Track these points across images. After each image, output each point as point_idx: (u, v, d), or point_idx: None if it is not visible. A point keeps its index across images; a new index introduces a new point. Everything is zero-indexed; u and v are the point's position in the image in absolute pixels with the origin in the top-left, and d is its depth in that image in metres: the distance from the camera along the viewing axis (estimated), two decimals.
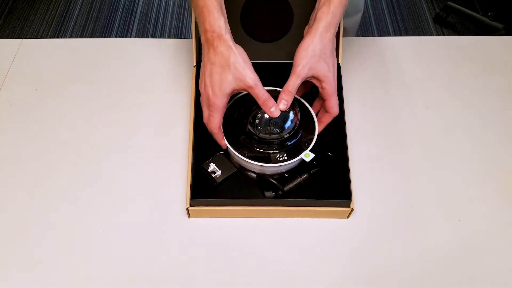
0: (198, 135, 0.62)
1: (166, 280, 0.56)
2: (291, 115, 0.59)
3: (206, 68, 0.56)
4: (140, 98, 0.72)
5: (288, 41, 0.68)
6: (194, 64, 0.69)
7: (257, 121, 0.59)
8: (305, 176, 0.61)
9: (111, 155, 0.66)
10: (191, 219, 0.61)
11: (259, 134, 0.59)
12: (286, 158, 0.58)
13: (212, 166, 0.61)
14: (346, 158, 0.61)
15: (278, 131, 0.59)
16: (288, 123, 0.59)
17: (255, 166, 0.59)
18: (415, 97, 0.74)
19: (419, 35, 1.86)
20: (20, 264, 0.57)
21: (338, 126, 0.64)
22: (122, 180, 0.64)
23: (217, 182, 0.60)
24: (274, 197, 0.60)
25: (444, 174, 0.66)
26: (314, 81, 0.59)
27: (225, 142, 0.60)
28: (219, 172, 0.61)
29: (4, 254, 0.58)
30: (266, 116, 0.58)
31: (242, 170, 0.62)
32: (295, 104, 0.60)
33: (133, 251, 0.58)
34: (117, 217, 0.61)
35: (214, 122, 0.57)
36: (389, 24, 1.89)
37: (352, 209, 0.59)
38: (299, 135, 0.60)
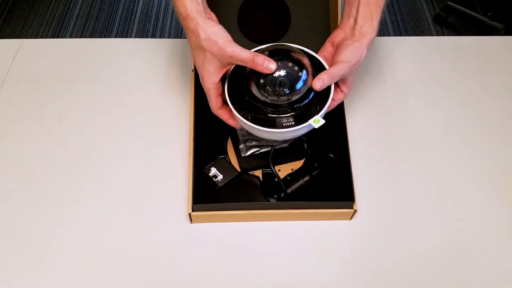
0: (199, 139, 0.62)
1: (167, 285, 0.56)
2: (304, 74, 0.52)
3: (192, 54, 0.55)
4: (140, 99, 0.72)
5: (286, 43, 0.68)
6: (193, 68, 0.69)
7: (261, 81, 0.52)
8: (307, 178, 0.61)
9: (111, 156, 0.66)
10: (193, 224, 0.61)
11: (266, 96, 0.52)
12: (293, 123, 0.52)
13: (213, 170, 0.61)
14: (348, 159, 0.61)
15: (287, 92, 0.52)
16: (300, 84, 0.52)
17: (258, 131, 0.53)
18: (415, 97, 0.74)
19: (419, 35, 1.85)
20: (19, 264, 0.57)
21: (339, 128, 0.64)
22: (122, 183, 0.64)
23: (218, 186, 0.60)
24: (277, 200, 0.60)
25: (444, 174, 0.66)
26: (340, 82, 0.57)
27: (232, 122, 0.57)
28: (220, 176, 0.61)
29: (3, 254, 0.58)
30: (274, 74, 0.51)
31: (243, 166, 0.62)
32: (308, 62, 0.53)
33: (134, 255, 0.58)
34: (118, 220, 0.61)
35: (211, 105, 0.57)
36: (389, 24, 1.89)
37: (355, 211, 0.59)
38: (309, 98, 0.54)
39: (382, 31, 1.86)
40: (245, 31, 0.68)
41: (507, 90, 0.75)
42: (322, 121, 0.52)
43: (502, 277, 0.58)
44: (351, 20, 0.57)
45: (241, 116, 0.53)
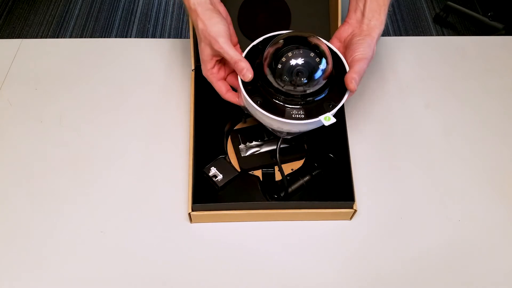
0: (199, 139, 0.62)
1: (167, 284, 0.56)
2: (323, 64, 0.50)
3: None
4: (140, 99, 0.72)
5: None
6: (193, 67, 0.69)
7: (279, 66, 0.50)
8: (307, 178, 0.61)
9: (111, 156, 0.66)
10: (193, 224, 0.61)
11: (282, 86, 0.50)
12: (302, 116, 0.50)
13: (213, 170, 0.61)
14: (348, 159, 0.61)
15: (305, 81, 0.50)
16: (319, 73, 0.50)
17: (265, 117, 0.51)
18: (415, 97, 0.74)
19: (419, 35, 1.86)
20: (20, 264, 0.57)
21: (339, 128, 0.64)
22: (122, 183, 0.64)
23: (218, 186, 0.60)
24: (276, 200, 0.60)
25: (444, 174, 0.66)
26: None
27: (240, 101, 0.56)
28: (220, 176, 0.61)
29: (4, 254, 0.58)
30: (292, 62, 0.49)
31: (243, 166, 0.62)
32: (329, 55, 0.51)
33: (134, 255, 0.58)
34: (118, 220, 0.61)
35: (219, 90, 0.57)
36: (389, 24, 1.90)
37: (355, 211, 0.59)
38: (324, 94, 0.52)
39: (382, 31, 1.86)
40: (245, 31, 0.68)
41: (507, 90, 0.75)
42: (333, 120, 0.50)
43: (502, 277, 0.58)
44: (358, 14, 0.57)
45: (251, 99, 0.51)
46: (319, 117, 0.50)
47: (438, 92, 0.75)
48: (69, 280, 0.56)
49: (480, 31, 1.85)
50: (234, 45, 0.57)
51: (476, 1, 1.96)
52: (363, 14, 0.56)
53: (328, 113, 0.50)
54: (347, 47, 0.57)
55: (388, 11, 0.57)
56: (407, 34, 1.85)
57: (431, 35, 1.86)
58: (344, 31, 0.58)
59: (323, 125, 0.51)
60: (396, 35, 1.85)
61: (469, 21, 1.89)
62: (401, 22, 1.90)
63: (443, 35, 1.86)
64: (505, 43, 0.81)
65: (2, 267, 0.57)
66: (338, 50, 0.57)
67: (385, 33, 1.84)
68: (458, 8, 1.84)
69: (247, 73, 0.52)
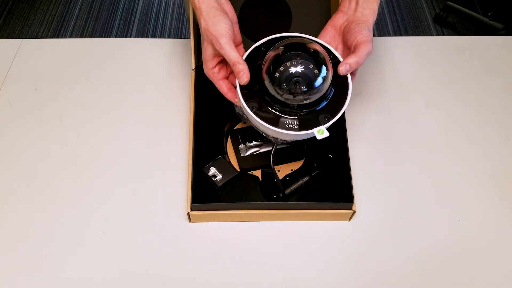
0: (198, 139, 0.62)
1: (166, 284, 0.56)
2: (322, 73, 0.49)
3: None
4: (140, 99, 0.72)
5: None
6: (193, 67, 0.69)
7: (277, 75, 0.49)
8: (306, 178, 0.61)
9: (111, 156, 0.66)
10: (192, 224, 0.61)
11: (281, 94, 0.50)
12: (296, 127, 0.50)
13: (212, 170, 0.61)
14: (347, 160, 0.61)
15: (305, 89, 0.49)
16: (318, 81, 0.49)
17: (259, 124, 0.51)
18: (415, 98, 0.74)
19: (419, 35, 1.86)
20: (20, 264, 0.57)
21: (338, 128, 0.64)
22: (122, 182, 0.64)
23: (217, 186, 0.60)
24: (275, 200, 0.60)
25: (444, 174, 0.66)
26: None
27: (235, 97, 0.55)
28: (219, 176, 0.60)
29: (4, 254, 0.58)
30: (291, 70, 0.49)
31: (242, 166, 0.62)
32: (330, 64, 0.51)
33: (134, 254, 0.58)
34: (117, 220, 0.61)
35: (220, 90, 0.57)
36: (389, 24, 1.89)
37: (354, 211, 0.59)
38: (322, 105, 0.51)
39: (382, 31, 1.86)
40: (246, 31, 0.68)
41: (507, 90, 0.75)
42: (326, 134, 0.50)
43: (502, 277, 0.58)
44: (353, 4, 0.58)
45: (246, 104, 0.51)
46: (313, 129, 0.50)
47: (438, 92, 0.75)
48: (69, 280, 0.56)
49: (480, 31, 1.85)
50: (238, 45, 0.57)
51: (476, 1, 1.96)
52: (357, 3, 0.57)
53: (322, 126, 0.50)
54: (345, 33, 0.57)
55: (380, 1, 0.58)
56: (407, 34, 1.85)
57: (431, 35, 1.86)
58: (338, 19, 0.58)
59: (319, 139, 0.50)
60: (396, 35, 1.85)
61: (469, 21, 1.89)
62: (401, 22, 1.90)
63: (443, 35, 1.86)
64: (505, 43, 0.81)
65: (1, 267, 0.57)
66: (333, 38, 0.57)
67: (385, 33, 1.85)
68: (458, 8, 1.84)
69: (243, 76, 0.52)
